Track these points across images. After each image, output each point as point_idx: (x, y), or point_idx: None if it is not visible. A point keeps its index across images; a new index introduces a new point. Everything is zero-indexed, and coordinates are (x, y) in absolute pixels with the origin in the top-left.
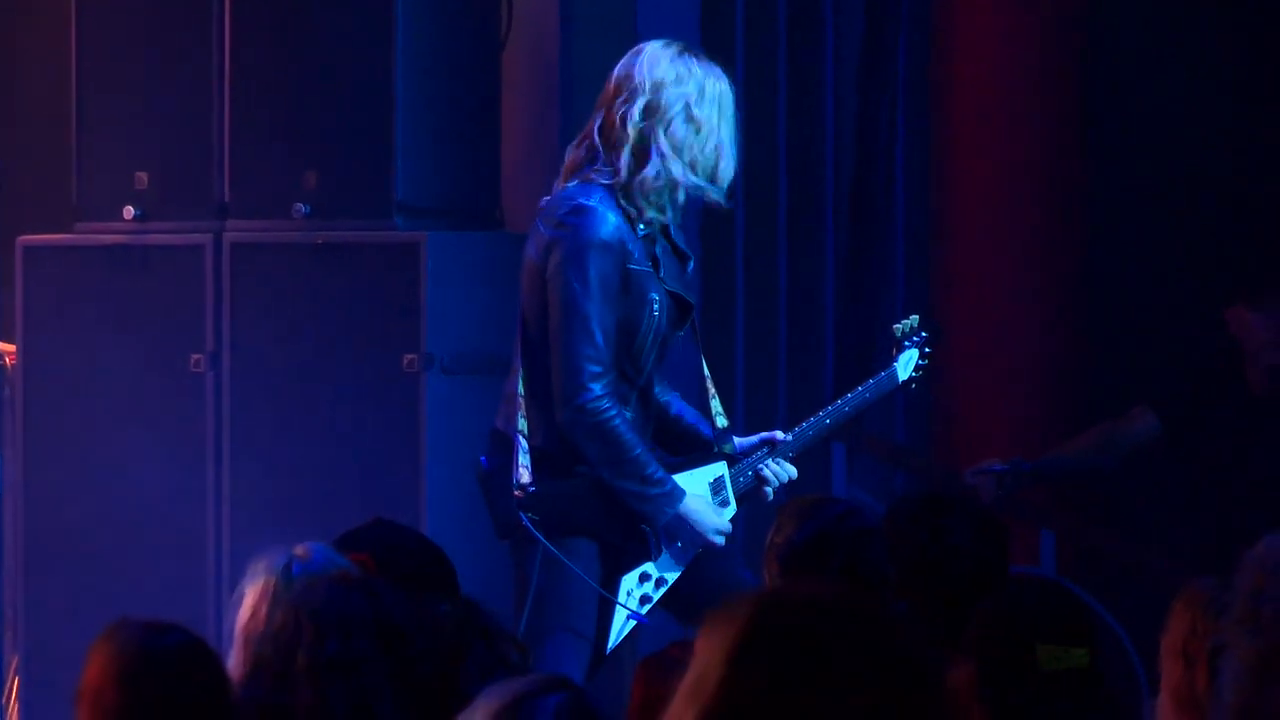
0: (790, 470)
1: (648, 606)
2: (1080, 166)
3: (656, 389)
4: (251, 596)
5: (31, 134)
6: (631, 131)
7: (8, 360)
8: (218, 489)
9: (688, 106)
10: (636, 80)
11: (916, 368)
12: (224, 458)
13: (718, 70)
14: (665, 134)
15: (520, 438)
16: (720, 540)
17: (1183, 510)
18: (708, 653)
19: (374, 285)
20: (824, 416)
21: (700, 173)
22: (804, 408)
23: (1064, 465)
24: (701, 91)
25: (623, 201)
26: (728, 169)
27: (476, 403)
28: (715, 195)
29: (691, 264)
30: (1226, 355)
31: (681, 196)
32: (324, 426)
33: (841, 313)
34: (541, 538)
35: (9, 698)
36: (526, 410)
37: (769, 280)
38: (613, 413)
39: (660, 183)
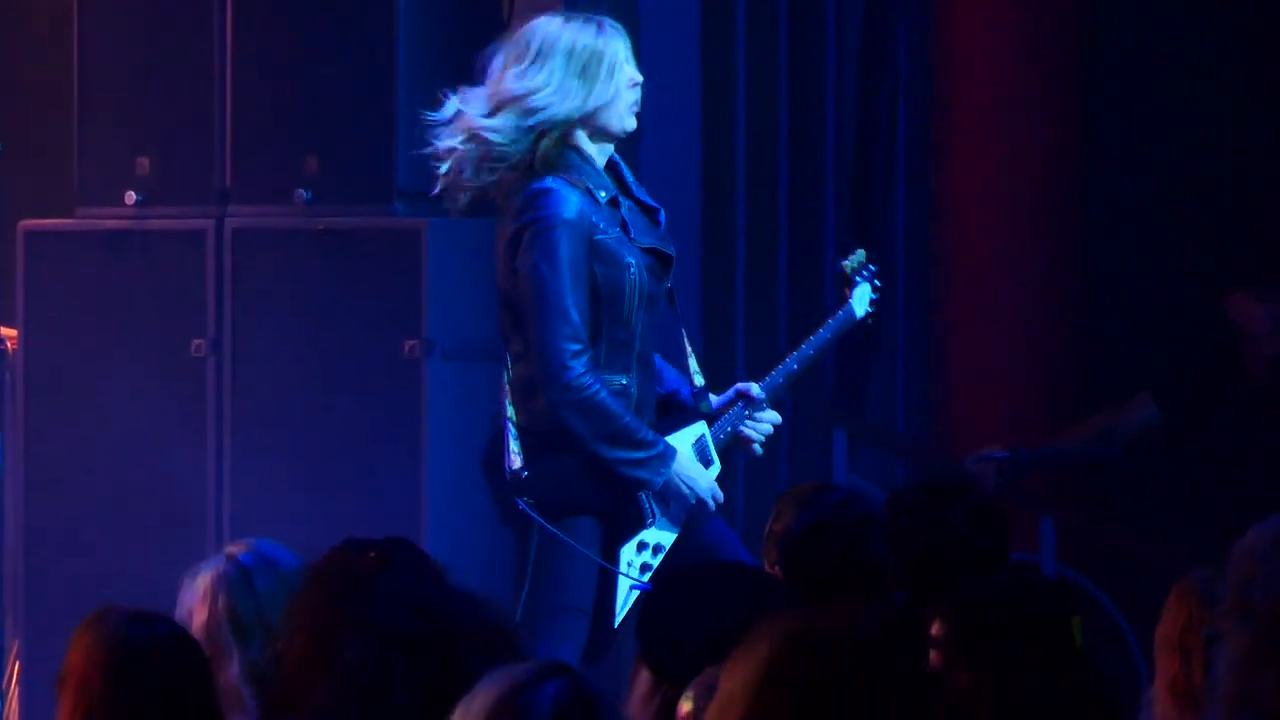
0: (772, 416)
1: (649, 574)
2: (1080, 156)
3: (654, 355)
4: (201, 597)
5: (33, 119)
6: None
7: (9, 345)
8: (218, 474)
9: (514, 60)
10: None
11: (871, 302)
12: (225, 443)
13: (577, 22)
14: (527, 105)
15: (509, 424)
16: (712, 501)
17: (1182, 498)
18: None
19: (375, 271)
20: (790, 363)
21: (592, 124)
22: (804, 398)
23: (1064, 454)
24: (528, 45)
25: (571, 179)
26: (612, 110)
27: (477, 389)
28: (628, 124)
29: (662, 214)
30: (1226, 344)
31: (579, 141)
32: (325, 412)
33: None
34: (538, 518)
35: (9, 682)
36: (512, 396)
37: (769, 273)
38: (595, 387)
39: (516, 138)
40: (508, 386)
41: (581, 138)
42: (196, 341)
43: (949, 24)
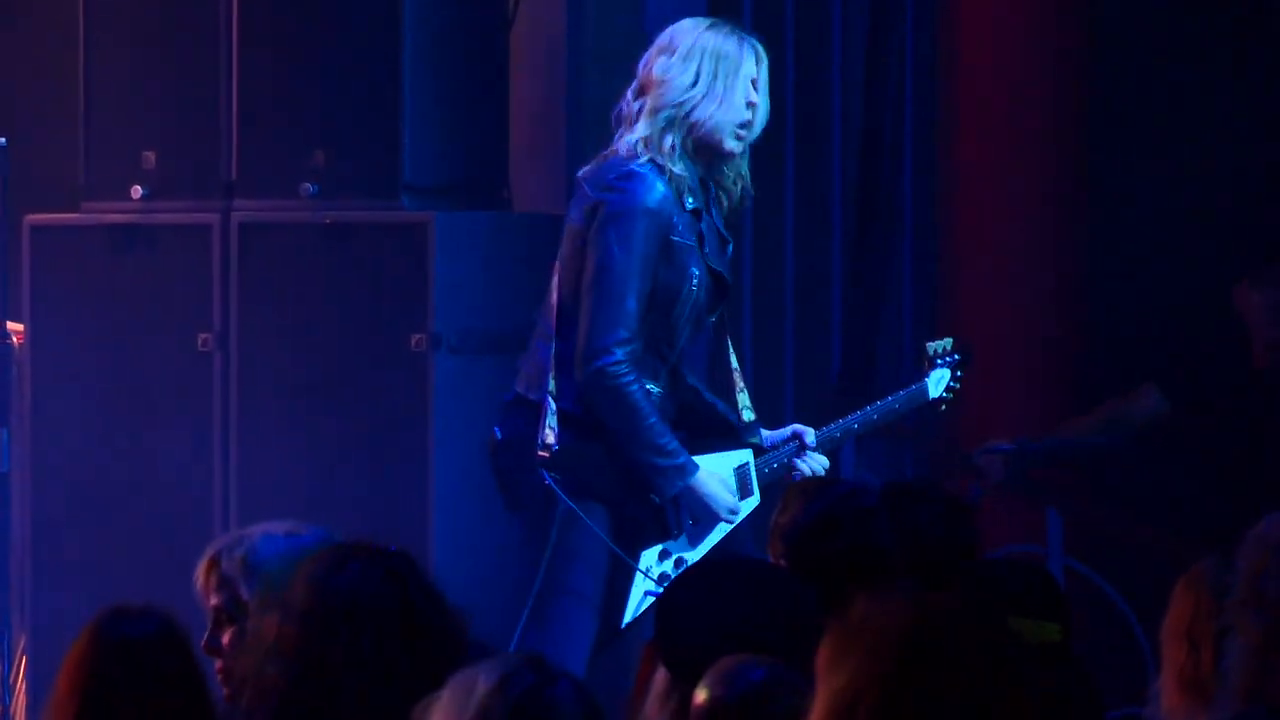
0: (822, 460)
1: (665, 584)
2: (1087, 147)
3: (687, 373)
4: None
5: (38, 113)
6: (648, 102)
7: (15, 340)
8: (225, 468)
9: (685, 61)
10: (663, 44)
11: (948, 388)
12: (231, 437)
13: (724, 27)
14: (659, 92)
15: (550, 399)
16: (730, 520)
17: (1189, 487)
18: (848, 672)
19: (382, 265)
20: (851, 421)
21: (700, 126)
22: (809, 398)
23: (1071, 444)
24: (702, 48)
25: (669, 169)
26: (722, 116)
27: (484, 382)
28: (729, 144)
29: (730, 248)
30: (1232, 332)
31: (688, 146)
32: (332, 406)
33: (848, 298)
34: (563, 495)
35: (17, 675)
36: (557, 373)
37: (775, 269)
38: (630, 379)
39: (662, 135)
40: (552, 362)
41: (690, 144)
42: (203, 335)
43: (954, 14)
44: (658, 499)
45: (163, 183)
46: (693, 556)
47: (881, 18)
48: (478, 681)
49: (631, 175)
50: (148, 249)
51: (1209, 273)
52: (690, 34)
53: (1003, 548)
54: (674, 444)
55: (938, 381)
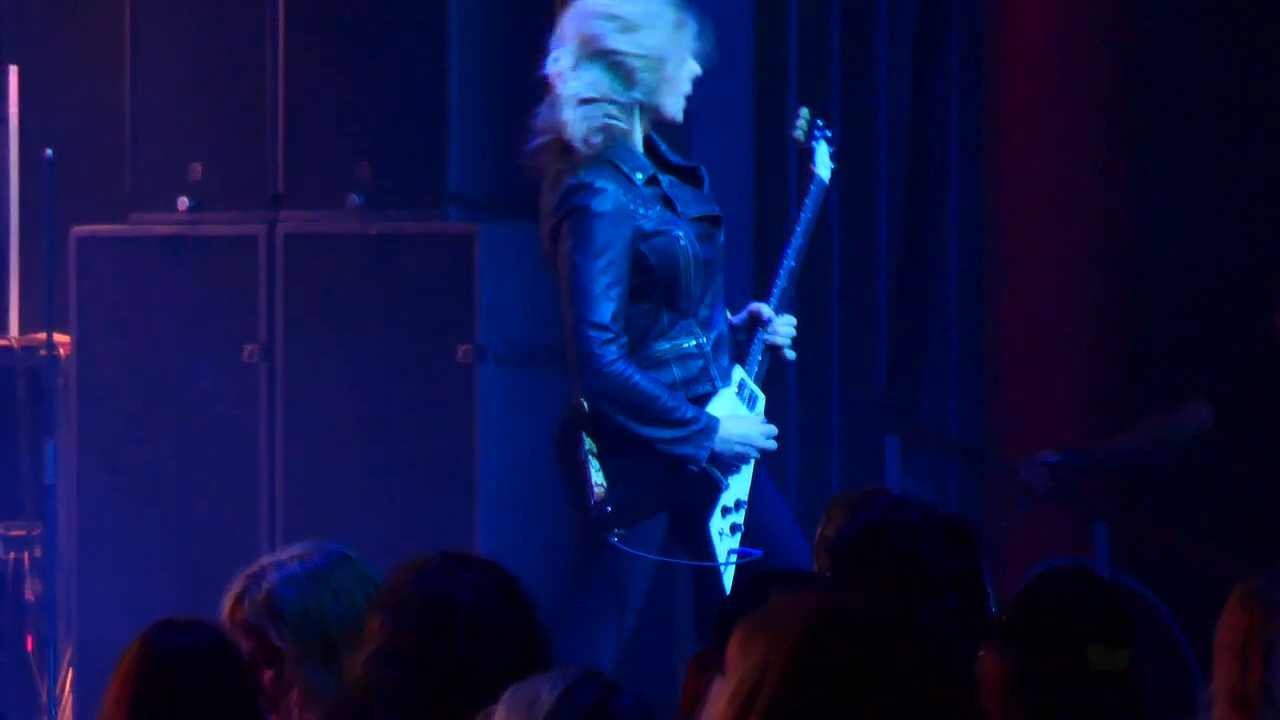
0: (787, 320)
1: (739, 533)
2: (1135, 158)
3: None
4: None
5: (85, 125)
6: (563, 87)
7: (61, 351)
8: (271, 479)
9: (599, 38)
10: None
11: (831, 156)
12: (277, 448)
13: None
14: (576, 72)
15: (590, 458)
16: (771, 444)
17: (1237, 502)
18: (753, 660)
19: (427, 276)
20: (787, 260)
21: (624, 88)
22: (857, 394)
23: (1117, 457)
24: (621, 18)
25: (609, 159)
26: (651, 78)
27: (530, 393)
28: (665, 109)
29: (703, 170)
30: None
31: (631, 124)
32: (377, 417)
33: (894, 305)
34: (635, 550)
35: (63, 689)
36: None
37: (822, 269)
38: (628, 371)
39: (589, 121)
40: (584, 401)
41: (636, 115)
42: (249, 347)
43: (1001, 18)
44: (695, 469)
45: (209, 194)
46: (746, 493)
47: (928, 22)
48: (541, 693)
49: (576, 188)
50: (194, 260)
51: (1259, 286)
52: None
53: (1050, 560)
54: (690, 411)
55: (823, 163)
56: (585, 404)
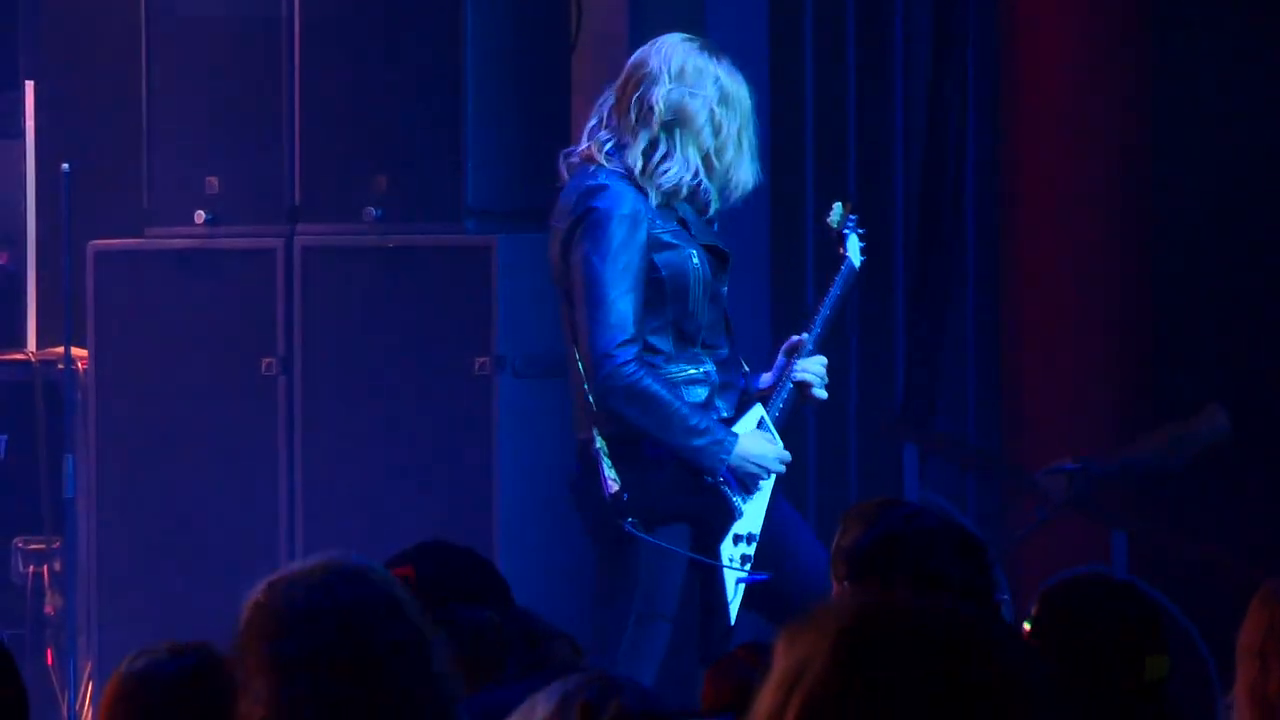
0: (818, 359)
1: (749, 564)
2: (1150, 165)
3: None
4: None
5: (102, 139)
6: (649, 125)
7: (79, 366)
8: (290, 493)
9: (710, 109)
10: (652, 68)
11: (861, 250)
12: (296, 461)
13: (738, 73)
14: (683, 134)
15: (599, 451)
16: (782, 469)
17: (1255, 509)
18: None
19: (445, 288)
20: (824, 314)
21: (715, 178)
22: (874, 404)
23: (1135, 465)
24: (723, 94)
25: (639, 179)
26: (743, 175)
27: (548, 405)
28: (729, 200)
29: (716, 225)
30: None
31: (694, 192)
32: (395, 430)
33: (910, 314)
34: (645, 536)
35: (83, 703)
36: (597, 410)
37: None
38: (641, 374)
39: (675, 183)
40: (591, 402)
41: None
42: (267, 360)
43: (1018, 26)
44: (711, 480)
45: (226, 208)
46: (759, 528)
47: (944, 29)
48: (538, 699)
49: (594, 190)
50: (212, 274)
51: (1275, 292)
52: (721, 77)
53: (1069, 569)
54: (706, 422)
55: (854, 250)
56: (593, 402)
